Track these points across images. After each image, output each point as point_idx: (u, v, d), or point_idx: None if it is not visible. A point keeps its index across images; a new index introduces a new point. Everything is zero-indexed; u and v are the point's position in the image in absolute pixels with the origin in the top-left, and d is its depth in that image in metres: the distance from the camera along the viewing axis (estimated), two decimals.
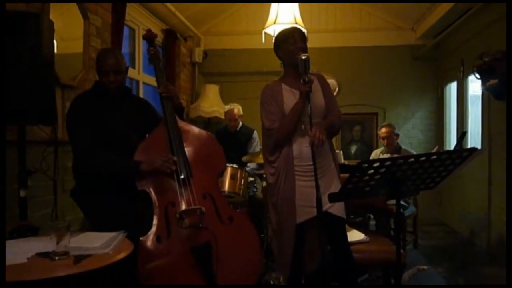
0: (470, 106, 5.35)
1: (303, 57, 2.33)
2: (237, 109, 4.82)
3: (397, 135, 4.79)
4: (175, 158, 2.40)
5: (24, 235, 2.05)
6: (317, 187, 2.22)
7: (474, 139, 5.25)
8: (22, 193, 2.26)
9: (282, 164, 2.47)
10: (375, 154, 4.98)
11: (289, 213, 2.44)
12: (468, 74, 5.10)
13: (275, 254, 2.66)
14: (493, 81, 3.96)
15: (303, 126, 2.42)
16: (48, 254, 1.71)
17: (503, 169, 4.23)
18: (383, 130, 4.77)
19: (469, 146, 5.13)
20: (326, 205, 2.30)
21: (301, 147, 2.44)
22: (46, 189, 2.74)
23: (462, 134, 4.15)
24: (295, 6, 4.38)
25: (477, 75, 4.19)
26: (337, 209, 2.43)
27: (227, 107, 4.92)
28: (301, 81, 2.32)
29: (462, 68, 5.21)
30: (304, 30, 2.77)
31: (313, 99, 2.40)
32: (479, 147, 4.67)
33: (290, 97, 2.46)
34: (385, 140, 4.72)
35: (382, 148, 4.89)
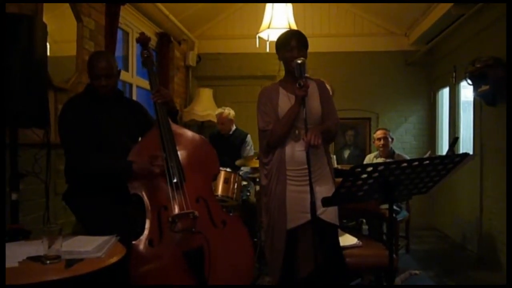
0: (462, 112, 5.38)
1: (299, 61, 2.33)
2: (227, 112, 4.81)
3: (392, 139, 4.83)
4: (162, 163, 2.39)
5: (15, 239, 2.03)
6: (312, 191, 2.22)
7: (465, 145, 5.28)
8: (14, 196, 2.25)
9: (275, 167, 2.48)
10: (369, 158, 4.98)
11: (280, 218, 2.44)
12: (460, 80, 5.13)
13: (266, 257, 2.65)
14: (485, 87, 3.99)
15: (296, 131, 2.42)
16: (39, 258, 1.70)
17: (494, 175, 4.27)
18: (378, 132, 4.80)
19: (461, 151, 5.17)
20: (319, 211, 2.30)
21: (294, 151, 2.44)
22: (38, 192, 2.72)
23: (454, 140, 4.18)
24: (289, 10, 4.39)
25: (469, 81, 4.23)
26: (330, 215, 2.42)
27: (217, 111, 4.93)
28: (297, 85, 2.33)
29: (454, 74, 5.25)
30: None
31: (309, 104, 2.40)
32: (470, 152, 4.70)
33: (285, 101, 2.46)
34: (382, 141, 4.72)
35: (376, 153, 4.90)
